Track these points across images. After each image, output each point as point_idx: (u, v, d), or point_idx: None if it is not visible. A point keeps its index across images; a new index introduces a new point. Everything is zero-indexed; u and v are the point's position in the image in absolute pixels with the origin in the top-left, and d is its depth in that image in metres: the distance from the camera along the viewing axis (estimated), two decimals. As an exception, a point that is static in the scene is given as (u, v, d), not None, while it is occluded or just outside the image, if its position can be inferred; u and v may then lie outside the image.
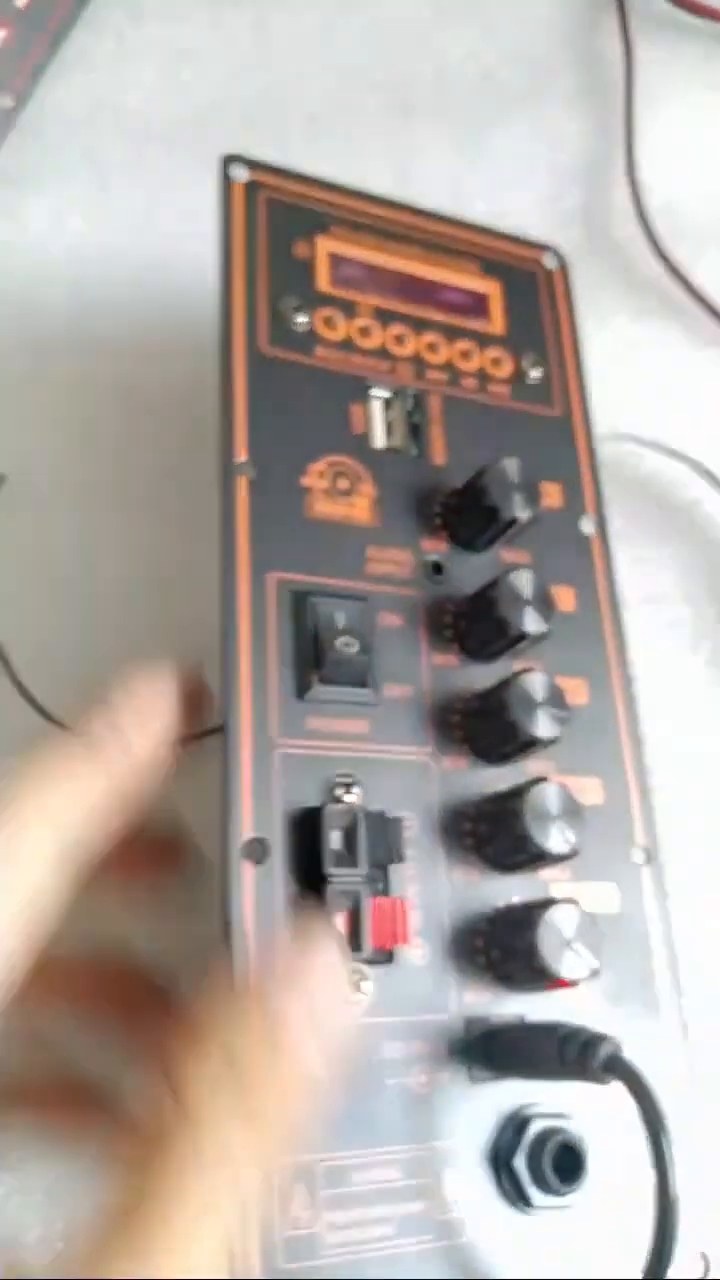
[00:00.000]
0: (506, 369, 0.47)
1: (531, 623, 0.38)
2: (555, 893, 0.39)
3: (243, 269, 0.42)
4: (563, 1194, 0.33)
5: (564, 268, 0.51)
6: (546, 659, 0.41)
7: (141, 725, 0.33)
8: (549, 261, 0.50)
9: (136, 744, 0.33)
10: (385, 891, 0.36)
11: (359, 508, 0.41)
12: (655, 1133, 0.30)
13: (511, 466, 0.40)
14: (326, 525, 0.40)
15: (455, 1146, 0.34)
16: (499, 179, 0.63)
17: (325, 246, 0.45)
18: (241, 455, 0.39)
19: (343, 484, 0.41)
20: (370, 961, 0.35)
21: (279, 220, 0.44)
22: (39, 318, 0.54)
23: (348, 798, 0.36)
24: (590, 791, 0.41)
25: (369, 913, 0.34)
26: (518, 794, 0.36)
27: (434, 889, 0.37)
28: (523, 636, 0.39)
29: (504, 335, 0.48)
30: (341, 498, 0.41)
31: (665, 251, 0.61)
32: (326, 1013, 0.27)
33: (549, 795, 0.36)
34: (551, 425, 0.47)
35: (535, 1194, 0.33)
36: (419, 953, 0.36)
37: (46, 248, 0.56)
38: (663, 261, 0.61)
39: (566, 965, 0.34)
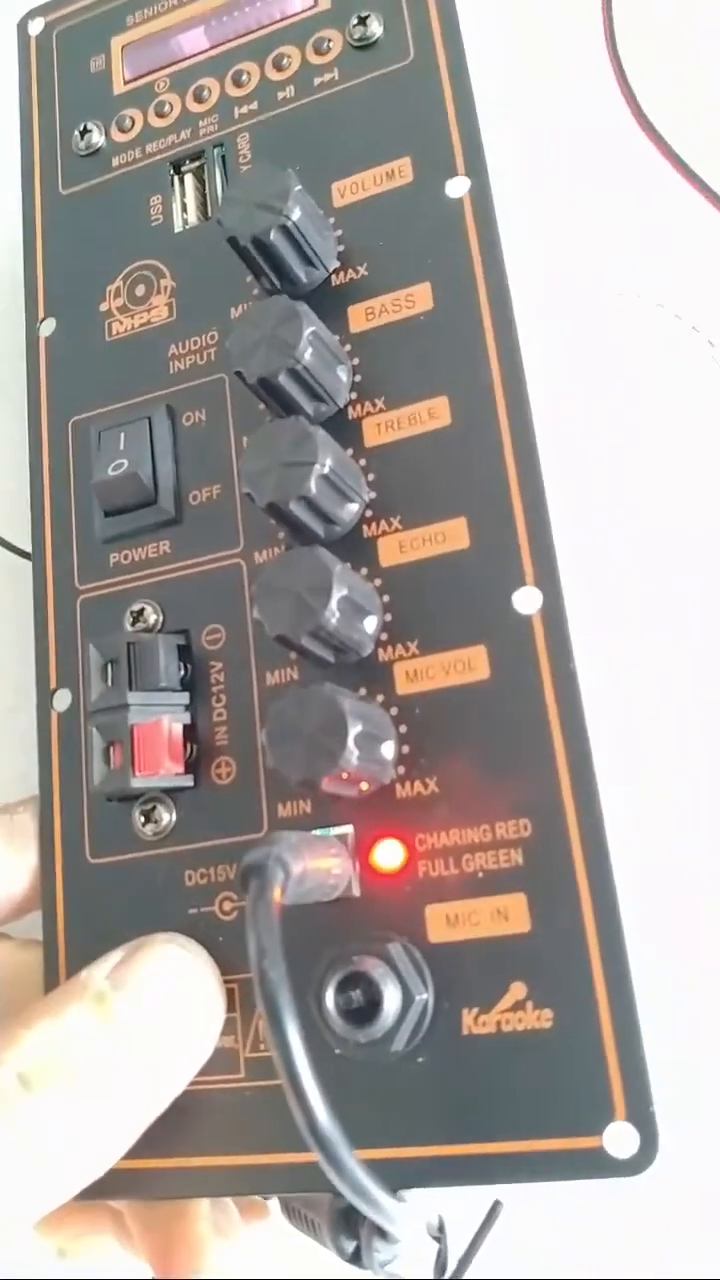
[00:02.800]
0: (335, 46, 0.37)
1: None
2: (400, 676, 0.31)
3: (36, 122, 0.41)
4: (361, 1040, 0.28)
5: None
6: (385, 388, 0.33)
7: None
8: None
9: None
10: (190, 713, 0.33)
11: (157, 308, 0.37)
12: (263, 986, 0.23)
13: (242, 190, 0.33)
14: (125, 343, 0.37)
15: (268, 976, 0.30)
16: None
17: (119, 43, 0.41)
18: (40, 314, 0.39)
19: (140, 290, 0.38)
20: (168, 790, 0.32)
21: (73, 47, 0.42)
22: None
23: (134, 629, 0.34)
24: (451, 537, 0.31)
25: (129, 743, 0.32)
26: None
27: (242, 699, 0.32)
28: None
29: (331, 8, 0.37)
30: (139, 306, 0.37)
31: None
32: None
33: (273, 568, 0.29)
34: (401, 78, 0.36)
35: (342, 1032, 0.28)
36: (224, 770, 0.32)
37: None
38: None
39: (289, 763, 0.28)
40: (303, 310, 0.31)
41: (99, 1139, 0.27)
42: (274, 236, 0.32)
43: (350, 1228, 0.28)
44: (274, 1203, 0.33)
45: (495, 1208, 0.31)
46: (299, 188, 0.32)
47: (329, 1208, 0.31)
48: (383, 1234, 0.27)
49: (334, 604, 0.28)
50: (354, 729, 0.28)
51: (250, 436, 0.31)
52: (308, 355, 0.31)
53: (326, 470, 0.30)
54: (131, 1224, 0.32)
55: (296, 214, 0.32)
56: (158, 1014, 0.29)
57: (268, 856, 0.25)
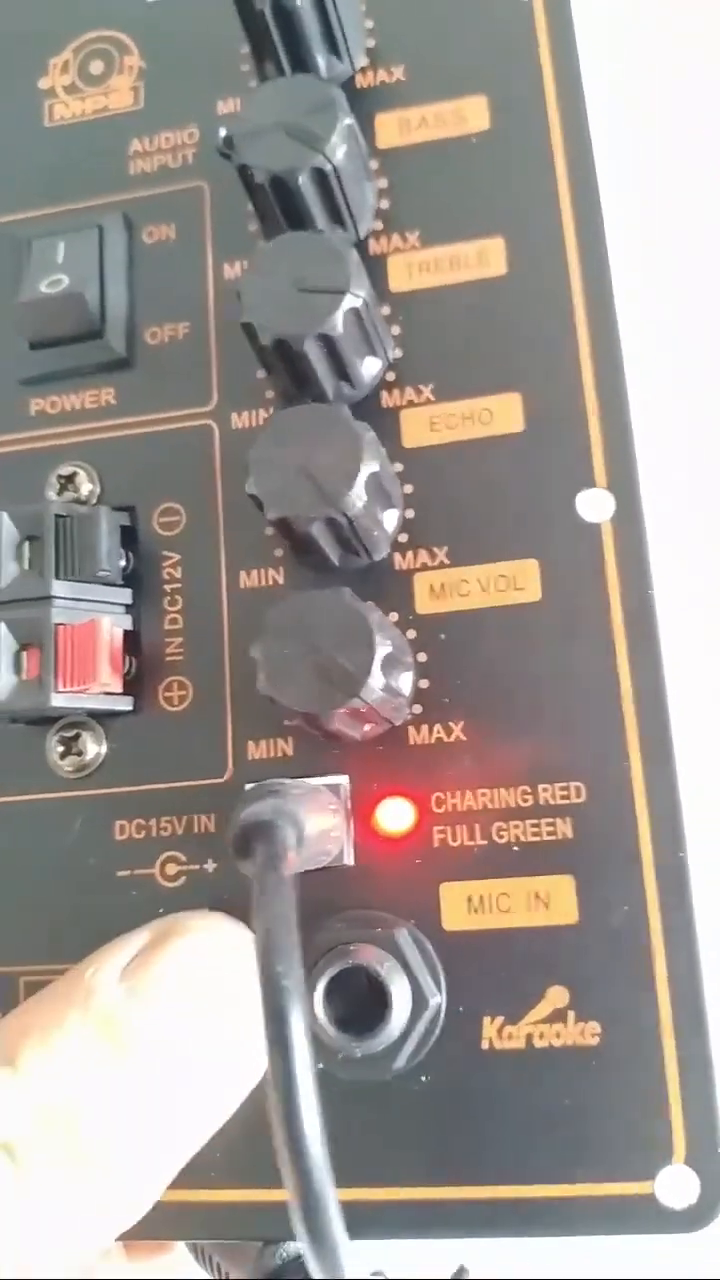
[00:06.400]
0: None
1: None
2: (421, 590, 0.24)
3: None
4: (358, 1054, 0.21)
5: None
6: (421, 220, 0.26)
7: None
8: None
9: None
10: (133, 616, 0.25)
11: (118, 92, 0.29)
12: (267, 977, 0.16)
13: None
14: (71, 132, 0.29)
15: (223, 962, 0.23)
16: None
17: None
18: (-45, 81, 0.29)
19: (96, 67, 0.29)
20: (99, 714, 0.25)
21: None
22: None
23: (62, 498, 0.26)
24: (500, 417, 0.24)
25: (52, 647, 0.24)
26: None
27: (206, 603, 0.25)
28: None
29: None
30: (93, 87, 0.29)
31: None
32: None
33: (278, 430, 0.22)
34: None
35: (334, 1043, 0.21)
36: (176, 694, 0.25)
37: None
38: None
39: (293, 690, 0.21)
40: (339, 97, 0.24)
41: (97, 1222, 0.19)
42: (301, 0, 0.24)
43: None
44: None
45: (460, 1274, 0.25)
46: (338, -61, 0.24)
47: (256, 1266, 0.25)
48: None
49: (362, 483, 0.21)
50: (382, 650, 0.21)
51: (255, 252, 0.23)
52: (341, 155, 0.23)
53: (359, 304, 0.22)
54: None
55: (333, -26, 0.24)
56: (187, 1042, 0.20)
57: (276, 813, 0.18)
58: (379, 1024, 0.21)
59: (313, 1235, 0.16)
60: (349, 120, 0.24)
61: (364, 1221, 0.22)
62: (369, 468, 0.22)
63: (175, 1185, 0.23)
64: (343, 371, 0.24)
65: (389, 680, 0.21)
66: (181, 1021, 0.20)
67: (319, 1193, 0.16)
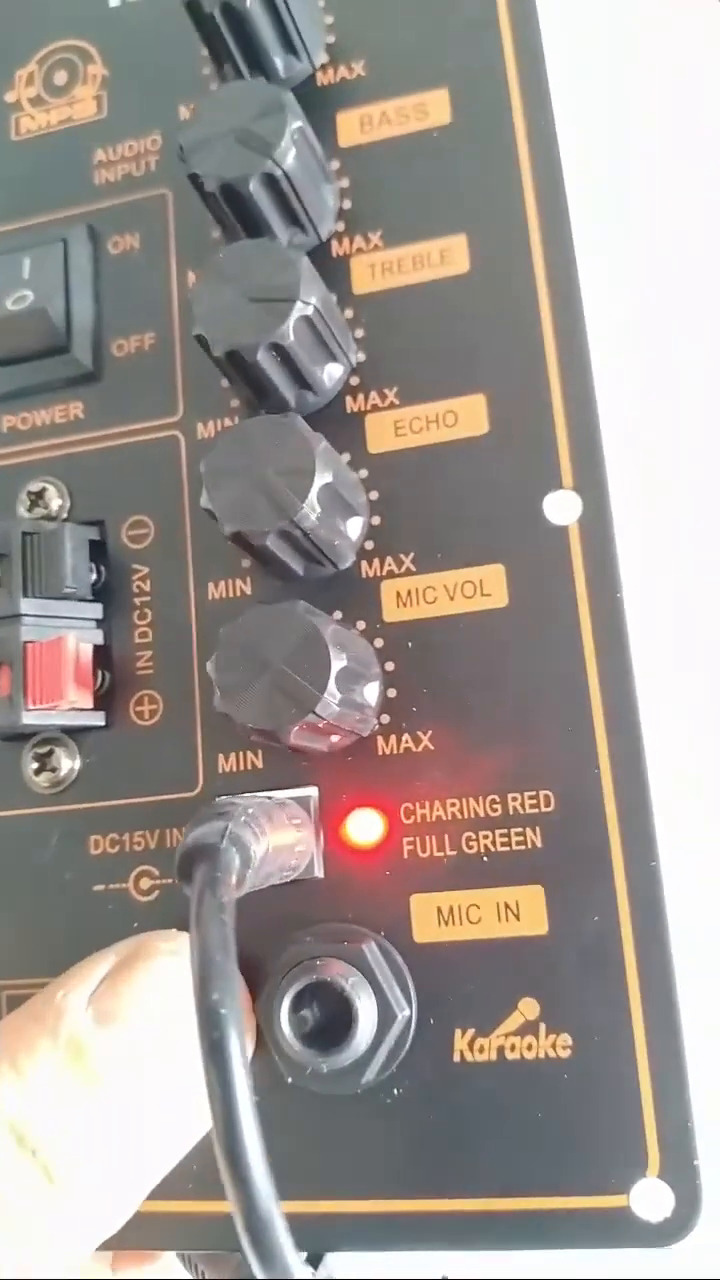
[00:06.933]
0: None
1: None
2: (388, 597, 0.24)
3: None
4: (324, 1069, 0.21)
5: None
6: (383, 220, 0.25)
7: None
8: None
9: None
10: (103, 631, 0.25)
11: (82, 102, 0.28)
12: (202, 996, 0.16)
13: None
14: (36, 144, 0.29)
15: (197, 976, 0.23)
16: None
17: None
18: None
19: (60, 77, 0.29)
20: (72, 730, 0.25)
21: None
22: None
23: (33, 515, 0.26)
24: (465, 419, 0.24)
25: (21, 665, 0.24)
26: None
27: (175, 616, 0.25)
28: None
29: None
30: (57, 98, 0.29)
31: None
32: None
33: (230, 442, 0.22)
34: None
35: (300, 1058, 0.21)
36: (147, 708, 0.25)
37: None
38: None
39: (247, 707, 0.20)
40: (288, 100, 0.23)
41: (66, 1245, 0.20)
42: (251, 3, 0.24)
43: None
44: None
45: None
46: (286, -64, 0.24)
47: (237, 1270, 0.25)
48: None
49: (314, 494, 0.21)
50: (337, 664, 0.21)
51: (206, 263, 0.23)
52: (290, 159, 0.23)
53: (310, 311, 0.22)
54: None
55: (282, -27, 0.24)
56: (154, 1069, 0.20)
57: (220, 835, 0.18)
58: (343, 1040, 0.21)
59: (260, 1258, 0.16)
60: (299, 123, 0.23)
61: (339, 1235, 0.22)
62: (322, 479, 0.21)
63: (153, 1196, 0.23)
64: (301, 379, 0.23)
65: (348, 694, 0.21)
66: (148, 1048, 0.20)
67: (264, 1218, 0.16)
